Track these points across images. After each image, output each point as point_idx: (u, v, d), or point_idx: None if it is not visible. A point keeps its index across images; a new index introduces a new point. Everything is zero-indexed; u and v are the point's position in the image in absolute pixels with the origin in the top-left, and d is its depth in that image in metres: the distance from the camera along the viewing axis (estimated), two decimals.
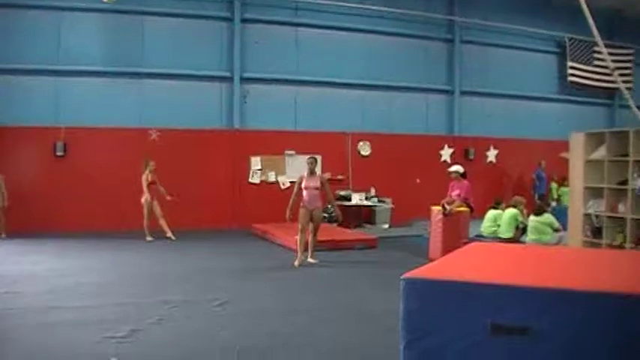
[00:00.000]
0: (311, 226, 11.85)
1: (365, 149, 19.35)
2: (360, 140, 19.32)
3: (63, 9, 16.83)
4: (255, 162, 18.28)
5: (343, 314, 7.78)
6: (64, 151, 16.57)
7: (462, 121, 20.73)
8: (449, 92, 20.69)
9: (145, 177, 14.87)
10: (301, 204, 11.87)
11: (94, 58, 17.03)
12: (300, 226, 11.78)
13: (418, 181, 19.38)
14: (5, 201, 14.90)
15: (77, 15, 16.97)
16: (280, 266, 11.55)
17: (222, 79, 18.13)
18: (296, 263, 11.60)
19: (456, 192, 12.62)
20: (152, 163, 14.99)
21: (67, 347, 6.31)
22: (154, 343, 6.48)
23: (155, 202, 14.94)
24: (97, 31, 17.31)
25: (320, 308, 8.13)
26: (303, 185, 11.88)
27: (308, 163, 12.07)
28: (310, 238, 12.01)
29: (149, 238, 14.85)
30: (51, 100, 16.77)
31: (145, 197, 14.84)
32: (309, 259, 11.92)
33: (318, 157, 18.10)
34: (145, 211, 14.93)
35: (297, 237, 11.82)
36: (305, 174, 12.03)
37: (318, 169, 12.51)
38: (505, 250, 6.18)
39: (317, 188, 11.81)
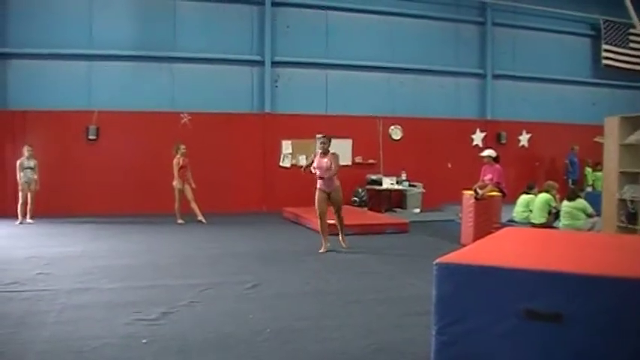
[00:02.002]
0: (332, 209, 11.33)
1: (396, 133, 19.25)
2: (391, 124, 19.22)
3: None
4: (286, 146, 18.28)
5: (373, 298, 7.74)
6: (97, 134, 16.74)
7: (494, 105, 20.52)
8: (481, 75, 20.47)
9: (177, 161, 14.94)
10: (317, 187, 11.32)
11: (126, 43, 17.16)
12: (318, 211, 11.27)
13: (449, 165, 19.27)
14: (36, 185, 15.06)
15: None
16: (310, 250, 11.51)
17: (253, 62, 18.14)
18: (321, 250, 11.18)
19: (488, 176, 12.51)
20: (183, 147, 15.06)
21: (98, 328, 6.36)
22: (184, 326, 6.50)
23: (186, 186, 15.02)
24: (129, 15, 17.42)
25: (350, 292, 8.10)
26: (315, 165, 11.21)
27: (320, 143, 11.26)
28: (337, 222, 11.55)
29: (180, 221, 14.94)
30: (83, 85, 16.95)
31: (176, 181, 14.92)
32: (342, 244, 11.53)
33: (348, 141, 18.23)
34: (176, 194, 15.02)
35: (318, 223, 11.42)
36: (317, 153, 11.40)
37: (336, 150, 11.42)
38: (538, 236, 6.12)
39: (329, 168, 11.04)
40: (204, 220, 15.06)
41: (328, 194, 11.22)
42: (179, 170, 14.94)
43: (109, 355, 5.58)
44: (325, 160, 11.12)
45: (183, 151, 15.03)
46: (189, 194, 15.08)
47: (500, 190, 12.37)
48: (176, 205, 15.07)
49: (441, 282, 4.25)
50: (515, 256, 4.65)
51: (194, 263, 10.17)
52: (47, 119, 16.43)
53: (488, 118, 20.43)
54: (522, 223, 12.37)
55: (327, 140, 11.26)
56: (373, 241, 12.51)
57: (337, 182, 11.29)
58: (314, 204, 11.33)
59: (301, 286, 8.52)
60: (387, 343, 5.93)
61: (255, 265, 10.02)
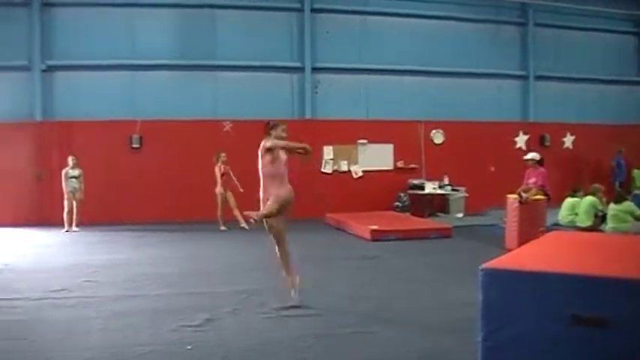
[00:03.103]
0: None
1: (438, 137, 19.12)
2: (432, 128, 19.09)
3: (136, 5, 17.28)
4: (328, 151, 18.29)
5: (417, 304, 7.71)
6: (140, 143, 16.95)
7: (536, 107, 20.25)
8: (523, 77, 20.22)
9: (218, 168, 15.06)
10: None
11: (168, 52, 17.39)
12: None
13: (492, 168, 19.06)
14: (81, 194, 15.30)
15: (150, 10, 17.42)
16: (353, 255, 11.51)
17: (293, 69, 18.20)
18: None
19: (533, 180, 12.37)
20: (223, 154, 15.17)
21: (144, 335, 6.43)
22: (228, 332, 6.54)
23: (229, 193, 15.12)
24: (170, 25, 17.67)
25: (393, 298, 8.08)
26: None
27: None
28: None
29: (223, 228, 15.05)
30: (127, 94, 17.21)
31: (219, 188, 15.04)
32: None
33: (390, 146, 18.21)
34: (219, 201, 15.14)
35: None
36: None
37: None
38: (584, 240, 6.04)
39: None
40: (246, 227, 15.11)
41: None
42: (221, 177, 15.06)
43: None
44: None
45: (223, 158, 15.15)
46: (232, 201, 15.17)
47: (545, 194, 12.23)
48: (218, 212, 15.18)
49: (487, 287, 4.22)
50: (561, 260, 4.60)
51: (237, 270, 10.23)
52: (92, 129, 16.70)
53: (531, 120, 20.16)
54: (568, 227, 12.19)
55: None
56: (416, 247, 12.44)
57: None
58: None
59: (345, 292, 8.51)
60: (431, 350, 5.90)
61: (298, 271, 10.02)
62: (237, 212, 15.20)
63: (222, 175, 15.08)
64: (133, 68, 17.28)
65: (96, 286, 8.92)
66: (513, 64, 20.17)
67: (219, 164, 15.11)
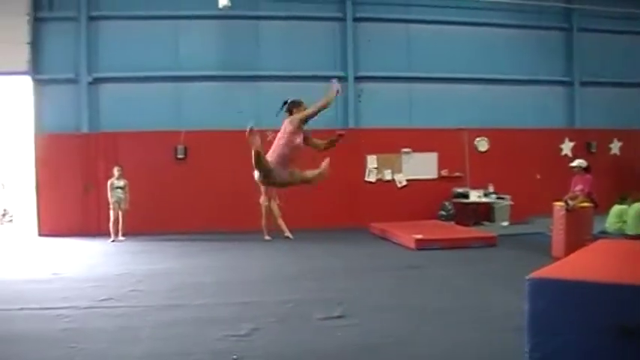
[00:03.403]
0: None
1: (482, 145, 18.95)
2: (477, 136, 18.93)
3: (180, 17, 17.51)
4: (371, 160, 18.25)
5: (461, 314, 7.63)
6: (185, 154, 17.12)
7: (582, 113, 19.94)
8: (568, 83, 19.94)
9: None
10: None
11: (211, 63, 17.55)
12: None
13: (538, 176, 18.79)
14: (126, 204, 15.50)
15: (194, 22, 17.65)
16: (398, 265, 11.46)
17: (336, 78, 18.17)
18: None
19: (579, 187, 12.20)
20: None
21: (190, 344, 6.48)
22: (273, 342, 6.55)
23: (273, 203, 15.18)
24: (213, 36, 17.85)
25: (438, 307, 8.01)
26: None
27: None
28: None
29: (267, 238, 15.11)
30: (171, 105, 17.44)
31: (263, 198, 15.11)
32: None
33: (434, 154, 18.16)
34: (263, 211, 15.20)
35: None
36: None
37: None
38: (633, 248, 5.93)
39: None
40: (291, 236, 15.17)
41: None
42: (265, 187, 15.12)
43: None
44: None
45: None
46: (276, 210, 15.24)
47: (592, 201, 12.04)
48: (263, 221, 15.26)
49: (534, 297, 4.17)
50: (610, 269, 4.52)
51: (281, 279, 10.25)
52: (137, 140, 16.95)
53: (577, 126, 19.87)
54: (616, 235, 11.99)
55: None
56: (461, 256, 12.34)
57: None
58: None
59: (389, 301, 8.47)
60: None
61: (342, 280, 10.02)
62: (281, 222, 15.27)
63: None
64: (177, 79, 17.52)
65: (141, 295, 9.03)
66: (558, 70, 19.91)
67: None
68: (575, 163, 12.76)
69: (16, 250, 14.48)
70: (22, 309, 8.19)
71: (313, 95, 17.79)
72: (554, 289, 4.12)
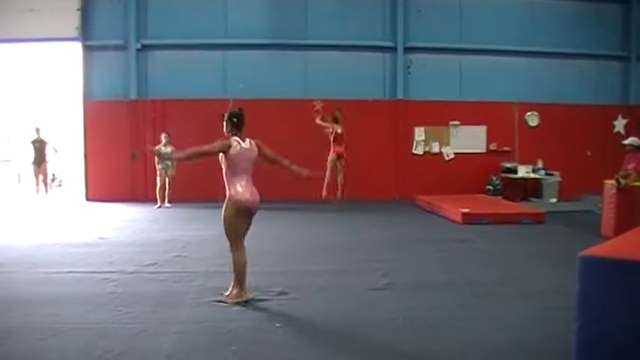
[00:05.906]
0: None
1: (533, 119, 18.59)
2: (527, 110, 18.58)
3: None
4: (419, 132, 18.07)
5: (508, 291, 7.49)
6: None
7: (638, 89, 19.40)
8: (623, 58, 19.38)
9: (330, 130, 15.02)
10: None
11: (260, 31, 17.47)
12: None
13: (589, 153, 18.41)
14: (173, 171, 15.59)
15: None
16: (444, 238, 11.33)
17: (385, 49, 18.02)
18: None
19: (632, 165, 11.87)
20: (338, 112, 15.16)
21: (233, 311, 6.51)
22: (316, 311, 6.53)
23: (341, 161, 15.11)
24: (262, 4, 17.80)
25: (484, 283, 7.87)
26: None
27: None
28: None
29: (324, 193, 14.92)
30: (219, 73, 17.45)
31: (332, 156, 15.03)
32: None
33: (483, 127, 17.89)
34: (329, 166, 15.02)
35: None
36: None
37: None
38: None
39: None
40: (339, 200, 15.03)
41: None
42: (334, 139, 15.05)
43: (244, 338, 5.67)
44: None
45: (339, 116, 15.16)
46: (340, 169, 15.16)
47: None
48: (327, 176, 14.99)
49: (585, 276, 4.03)
50: None
51: (327, 250, 10.20)
52: (184, 107, 16.99)
53: (632, 103, 19.35)
54: None
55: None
56: (508, 232, 12.15)
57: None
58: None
59: (435, 275, 8.38)
60: (523, 339, 5.70)
61: (387, 252, 9.94)
62: (341, 179, 15.06)
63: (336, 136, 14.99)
64: (226, 47, 17.50)
65: (186, 261, 9.11)
66: (613, 45, 19.33)
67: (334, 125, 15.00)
68: (628, 140, 12.40)
69: (64, 214, 14.69)
70: (69, 272, 8.31)
71: (361, 65, 17.72)
72: (607, 268, 3.97)
